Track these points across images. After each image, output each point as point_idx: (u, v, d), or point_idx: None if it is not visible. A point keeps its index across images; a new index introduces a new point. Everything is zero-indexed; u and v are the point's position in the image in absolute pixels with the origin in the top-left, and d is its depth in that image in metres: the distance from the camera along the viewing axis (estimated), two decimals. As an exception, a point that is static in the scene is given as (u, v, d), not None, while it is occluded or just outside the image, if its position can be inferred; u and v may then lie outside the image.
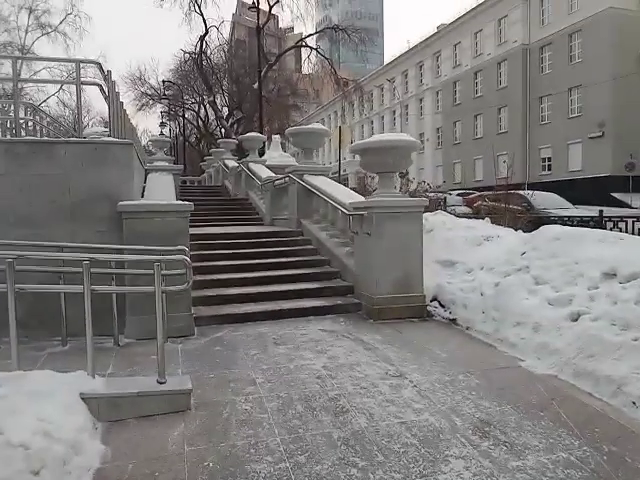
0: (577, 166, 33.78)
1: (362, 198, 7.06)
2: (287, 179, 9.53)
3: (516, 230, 7.81)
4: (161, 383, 3.51)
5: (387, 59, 58.88)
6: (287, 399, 3.68)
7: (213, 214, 11.90)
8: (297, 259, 7.68)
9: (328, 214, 8.33)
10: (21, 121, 8.60)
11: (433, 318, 6.03)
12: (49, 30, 30.22)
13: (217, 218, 11.48)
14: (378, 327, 5.65)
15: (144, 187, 7.51)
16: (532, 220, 9.40)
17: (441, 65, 46.89)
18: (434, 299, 6.24)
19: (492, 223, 8.04)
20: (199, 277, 6.85)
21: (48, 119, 9.89)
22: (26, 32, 30.78)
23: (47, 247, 4.54)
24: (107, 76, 5.58)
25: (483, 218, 8.51)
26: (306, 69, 37.06)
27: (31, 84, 30.76)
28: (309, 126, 9.43)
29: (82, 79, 5.48)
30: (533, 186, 22.96)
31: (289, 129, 9.05)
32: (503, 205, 13.08)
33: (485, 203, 15.96)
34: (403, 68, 52.15)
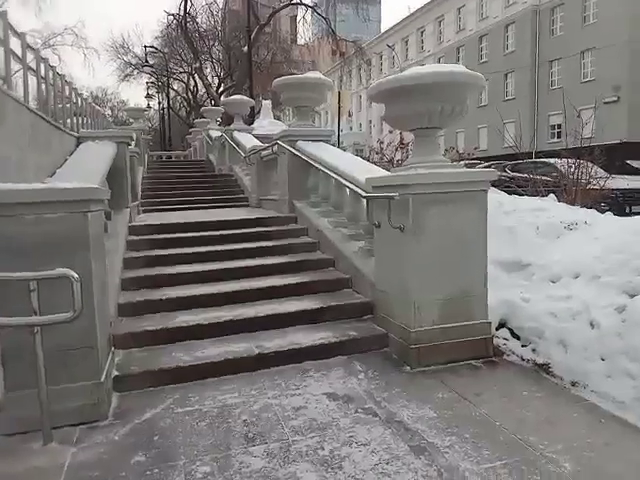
0: (589, 132, 31.38)
1: (384, 172, 4.76)
2: (275, 148, 7.20)
3: (589, 208, 5.58)
4: None
5: (384, 29, 55.57)
6: None
7: (187, 194, 9.84)
8: (287, 260, 5.41)
9: (331, 194, 6.03)
10: None
11: (504, 358, 3.78)
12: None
13: (191, 199, 9.43)
14: (423, 385, 3.40)
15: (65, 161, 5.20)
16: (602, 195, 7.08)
17: (444, 30, 44.21)
18: (502, 325, 4.01)
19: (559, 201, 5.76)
20: (141, 294, 4.64)
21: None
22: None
23: None
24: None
25: (541, 194, 6.21)
26: (302, 35, 34.14)
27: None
28: (303, 75, 7.02)
29: None
30: (541, 154, 21.10)
31: (277, 80, 6.64)
32: (530, 176, 10.74)
33: (505, 174, 13.67)
34: (403, 34, 49.25)
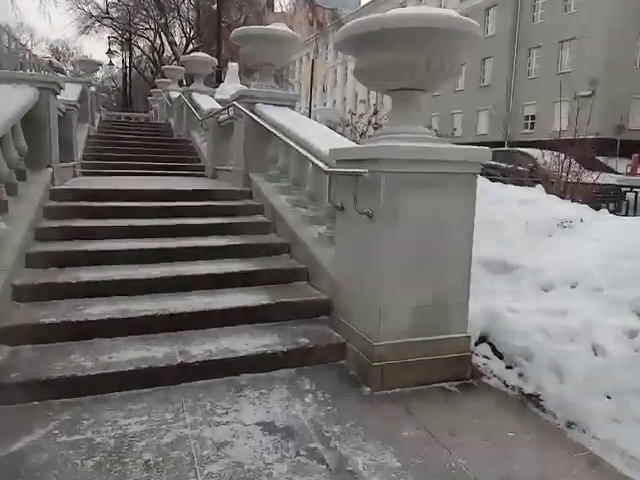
0: (562, 126, 31.36)
1: (351, 143, 3.98)
2: (232, 111, 6.29)
3: (573, 202, 5.00)
4: None
5: (365, 1, 54.13)
6: None
7: (136, 159, 8.91)
8: (234, 242, 4.59)
9: (290, 167, 5.21)
10: None
11: (483, 381, 3.12)
12: None
13: (140, 164, 8.56)
14: (385, 415, 2.70)
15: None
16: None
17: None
18: (482, 339, 3.35)
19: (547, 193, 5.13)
20: (49, 275, 3.77)
21: None
22: None
23: None
24: None
25: (527, 184, 5.59)
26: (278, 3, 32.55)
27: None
28: (266, 26, 6.09)
29: None
30: (514, 145, 20.72)
31: (236, 30, 5.70)
32: (506, 165, 10.22)
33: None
34: (384, 9, 46.98)
